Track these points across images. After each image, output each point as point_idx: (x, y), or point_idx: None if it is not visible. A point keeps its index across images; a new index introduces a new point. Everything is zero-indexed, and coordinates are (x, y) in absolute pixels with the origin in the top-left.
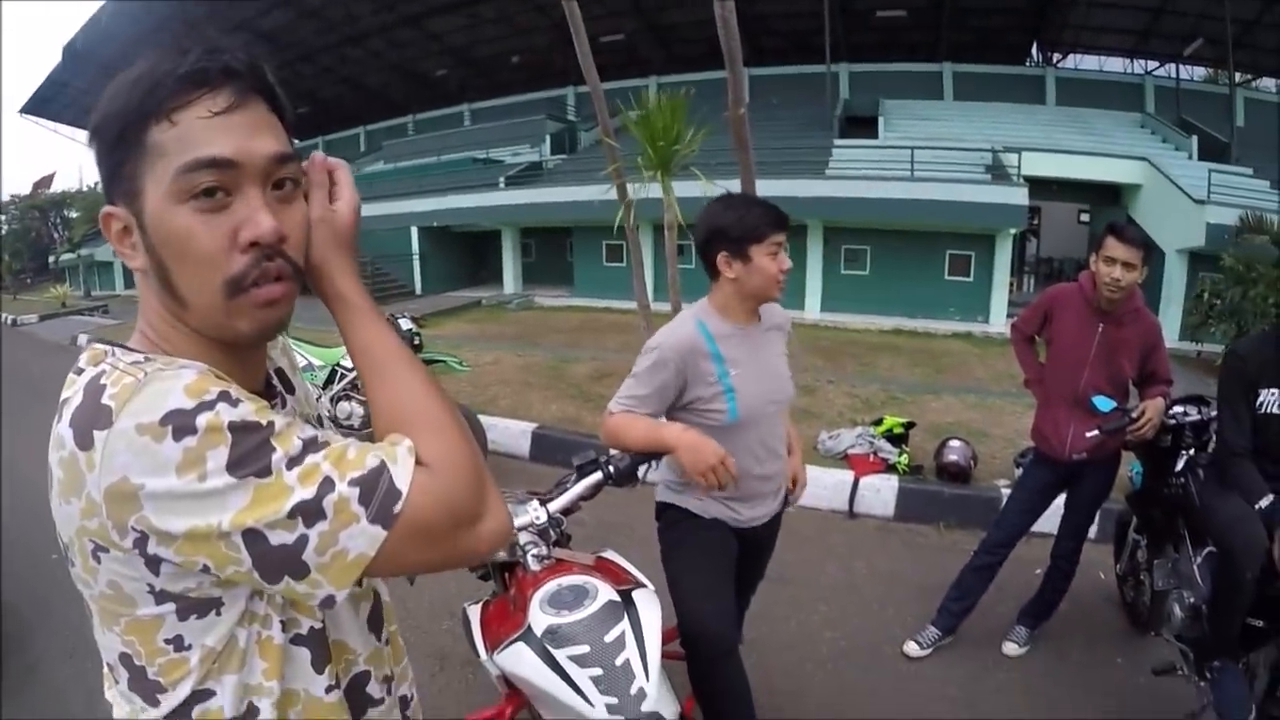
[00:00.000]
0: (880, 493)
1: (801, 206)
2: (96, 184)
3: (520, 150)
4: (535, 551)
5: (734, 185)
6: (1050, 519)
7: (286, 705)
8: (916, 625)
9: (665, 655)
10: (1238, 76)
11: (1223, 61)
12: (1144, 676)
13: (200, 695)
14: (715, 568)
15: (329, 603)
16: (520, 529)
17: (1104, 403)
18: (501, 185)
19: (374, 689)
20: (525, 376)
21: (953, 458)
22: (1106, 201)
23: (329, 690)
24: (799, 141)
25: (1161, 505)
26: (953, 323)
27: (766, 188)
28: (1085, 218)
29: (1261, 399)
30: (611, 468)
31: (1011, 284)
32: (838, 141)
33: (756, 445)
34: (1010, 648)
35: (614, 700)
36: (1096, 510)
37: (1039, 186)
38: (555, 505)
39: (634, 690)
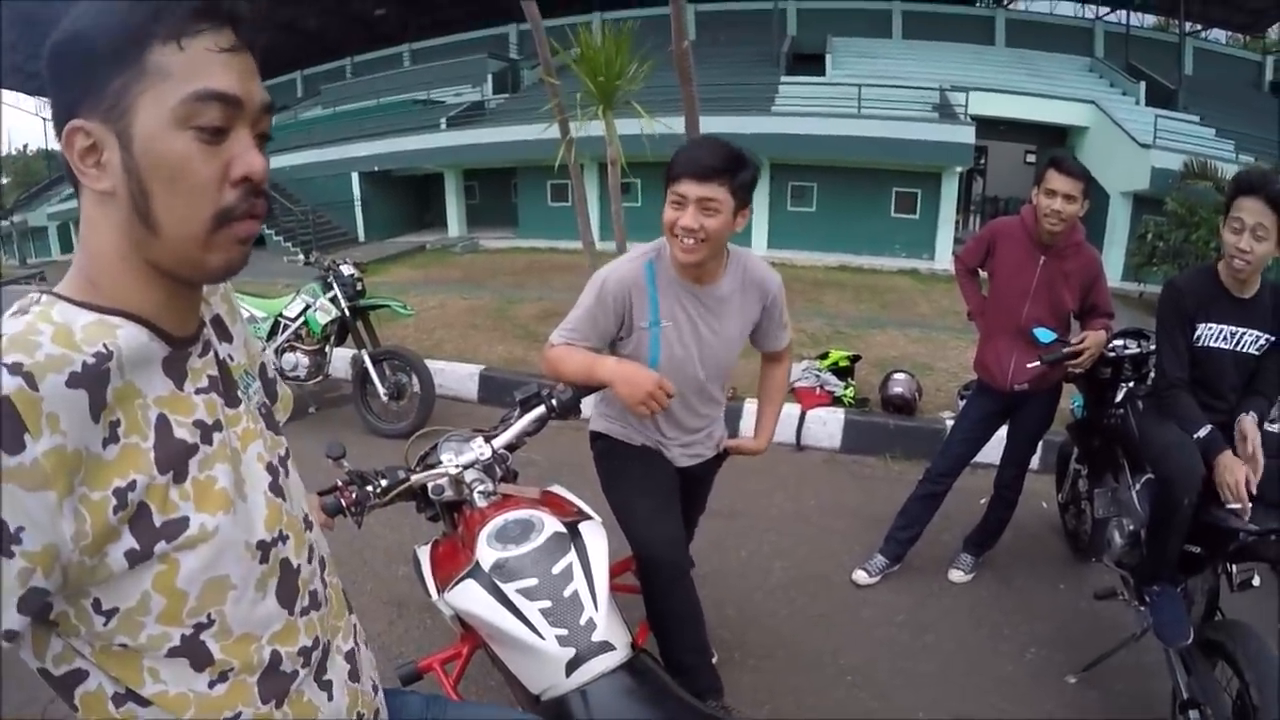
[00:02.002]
0: (827, 425)
1: (747, 143)
2: (26, 146)
3: (462, 90)
4: (481, 488)
5: (678, 122)
6: (994, 450)
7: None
8: (864, 554)
9: (616, 588)
10: (1188, 26)
11: (1174, 9)
12: (1085, 601)
13: (76, 676)
14: (657, 493)
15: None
16: (466, 466)
17: (1045, 334)
18: (443, 126)
19: (287, 665)
20: (471, 319)
21: (897, 390)
22: (1053, 142)
23: (213, 685)
24: (746, 78)
25: (1101, 435)
26: (898, 259)
27: (712, 124)
28: (1031, 158)
29: (1199, 332)
30: (554, 400)
31: (957, 222)
32: (785, 78)
33: (678, 407)
34: (956, 575)
35: (564, 631)
36: (1038, 440)
37: (986, 126)
38: (499, 441)
39: (584, 620)
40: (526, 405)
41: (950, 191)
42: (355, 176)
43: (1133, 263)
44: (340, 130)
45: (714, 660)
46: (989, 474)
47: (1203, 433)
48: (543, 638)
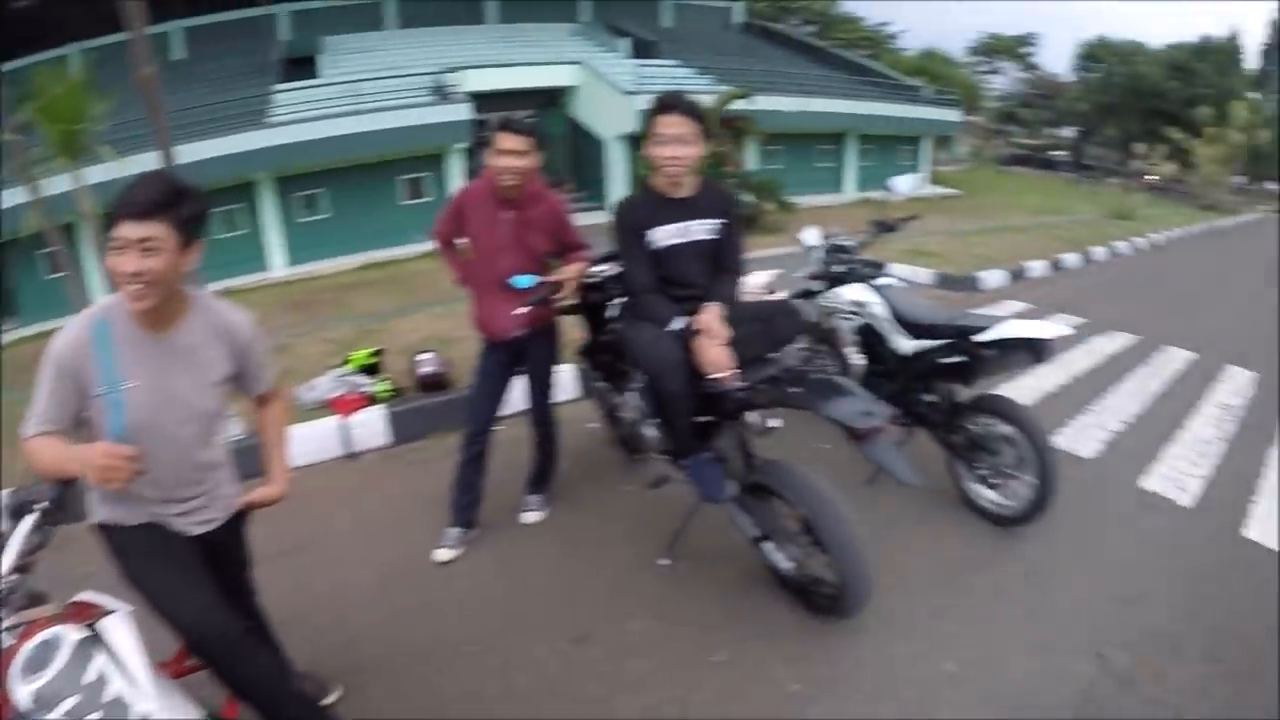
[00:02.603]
0: (371, 425)
1: (246, 161)
2: None
3: None
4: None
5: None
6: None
7: None
8: (443, 533)
9: (186, 670)
10: None
11: None
12: (649, 494)
13: None
14: (174, 568)
15: None
16: None
17: (524, 280)
18: None
19: None
20: None
21: (428, 369)
22: (548, 105)
23: None
24: (238, 92)
25: (608, 352)
26: (418, 245)
27: (201, 149)
28: (530, 122)
29: (653, 238)
30: (43, 504)
31: None
32: (278, 86)
33: (158, 465)
34: (529, 516)
35: None
36: (550, 374)
37: (486, 100)
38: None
39: (136, 718)
40: (16, 517)
41: (456, 168)
42: None
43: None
44: None
45: (336, 697)
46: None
47: (676, 324)
48: None
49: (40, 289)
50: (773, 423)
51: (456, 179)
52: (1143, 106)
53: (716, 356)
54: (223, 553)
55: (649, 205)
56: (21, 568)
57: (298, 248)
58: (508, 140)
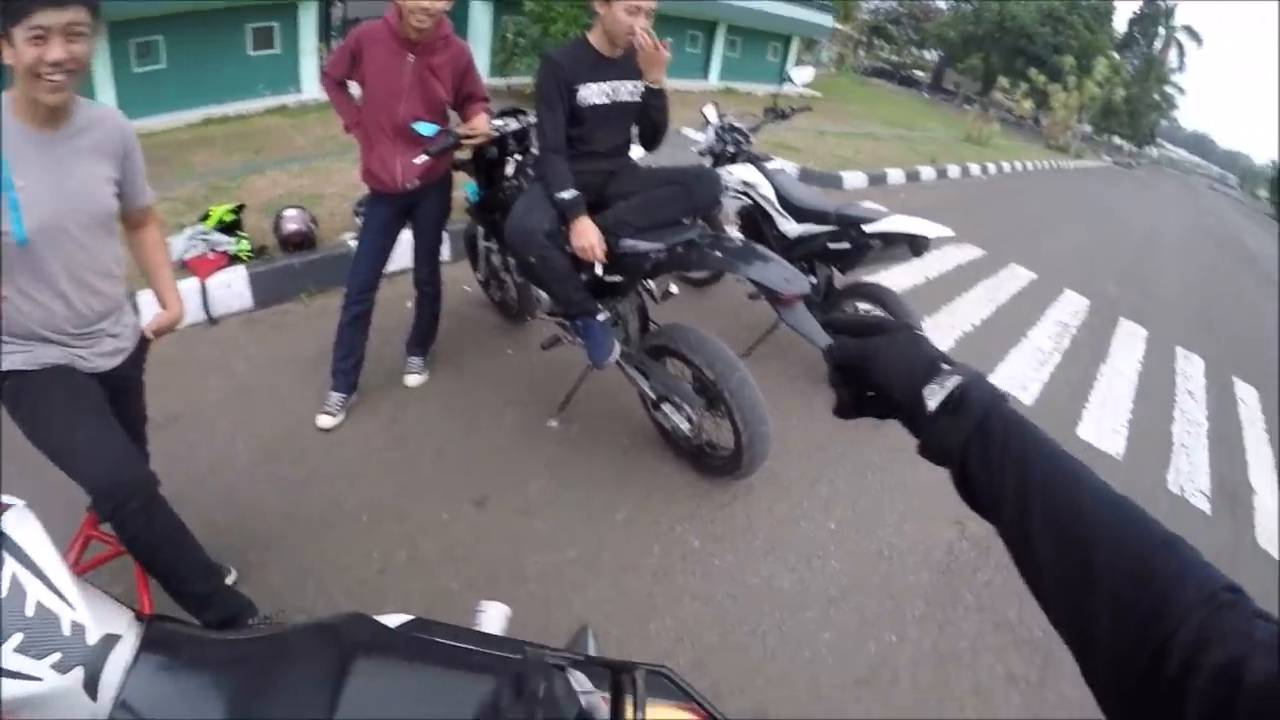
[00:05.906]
0: (232, 287)
1: None
2: None
3: None
4: None
5: None
6: (405, 253)
7: None
8: (320, 399)
9: (87, 566)
10: None
11: None
12: (536, 355)
13: None
14: (89, 413)
15: None
16: None
17: (426, 127)
18: None
19: None
20: None
21: (292, 227)
22: None
23: None
24: None
25: (500, 210)
26: (265, 99)
27: None
28: None
29: (580, 94)
30: None
31: (320, 49)
32: None
33: (62, 278)
34: (412, 380)
35: (57, 656)
36: (441, 231)
37: None
38: None
39: (69, 630)
40: None
41: (309, 19)
42: None
43: (497, 60)
44: None
45: (233, 579)
46: (407, 277)
47: (566, 195)
48: (39, 679)
49: None
50: (672, 288)
51: (311, 30)
52: (1009, 44)
53: (588, 244)
54: (126, 393)
55: (580, 61)
56: None
57: (128, 100)
58: None
